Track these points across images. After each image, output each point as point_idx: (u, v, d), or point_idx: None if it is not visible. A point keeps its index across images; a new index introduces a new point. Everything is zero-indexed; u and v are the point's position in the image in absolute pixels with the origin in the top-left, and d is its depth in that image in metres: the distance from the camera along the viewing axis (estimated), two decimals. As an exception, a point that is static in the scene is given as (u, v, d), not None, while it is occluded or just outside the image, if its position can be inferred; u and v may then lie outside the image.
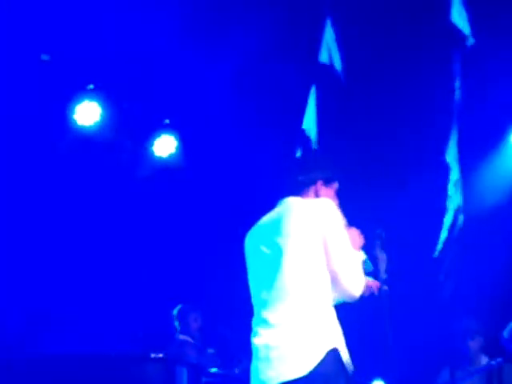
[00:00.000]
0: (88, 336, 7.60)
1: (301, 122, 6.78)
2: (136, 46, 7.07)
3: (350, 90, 6.67)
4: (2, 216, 7.67)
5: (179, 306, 7.14)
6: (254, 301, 3.80)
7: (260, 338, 3.64)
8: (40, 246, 7.86)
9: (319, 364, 3.52)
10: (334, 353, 3.56)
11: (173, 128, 8.28)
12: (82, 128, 7.76)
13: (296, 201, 3.83)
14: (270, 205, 3.91)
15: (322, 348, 3.54)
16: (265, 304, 3.69)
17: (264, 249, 3.76)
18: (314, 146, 6.44)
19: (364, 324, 6.27)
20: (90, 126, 7.76)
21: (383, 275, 4.07)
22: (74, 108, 7.66)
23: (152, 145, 8.24)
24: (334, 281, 3.65)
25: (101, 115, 7.73)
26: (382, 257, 4.11)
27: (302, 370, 3.50)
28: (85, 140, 7.87)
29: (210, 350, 6.94)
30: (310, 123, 6.56)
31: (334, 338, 3.61)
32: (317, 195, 3.92)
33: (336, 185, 4.00)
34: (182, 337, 6.99)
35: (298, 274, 3.62)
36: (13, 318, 7.72)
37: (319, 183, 3.93)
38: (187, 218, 8.46)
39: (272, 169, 7.33)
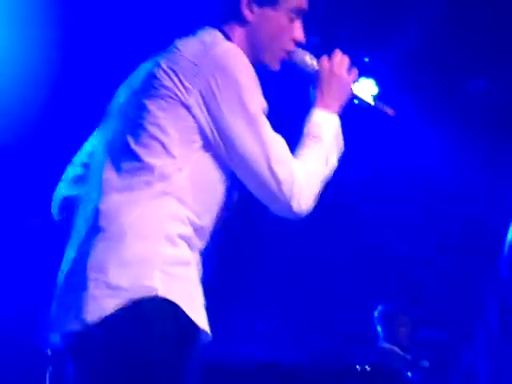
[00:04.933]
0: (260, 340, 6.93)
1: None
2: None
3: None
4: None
5: (381, 307, 5.88)
6: None
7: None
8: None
9: (110, 319, 2.04)
10: (154, 304, 2.05)
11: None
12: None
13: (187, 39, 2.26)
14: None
15: (126, 292, 2.05)
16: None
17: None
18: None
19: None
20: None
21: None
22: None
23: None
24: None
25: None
26: None
27: (77, 324, 2.08)
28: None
29: (424, 363, 5.68)
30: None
31: (167, 282, 2.09)
32: (245, 23, 2.30)
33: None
34: (386, 345, 5.74)
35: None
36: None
37: (244, 2, 2.29)
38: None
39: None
